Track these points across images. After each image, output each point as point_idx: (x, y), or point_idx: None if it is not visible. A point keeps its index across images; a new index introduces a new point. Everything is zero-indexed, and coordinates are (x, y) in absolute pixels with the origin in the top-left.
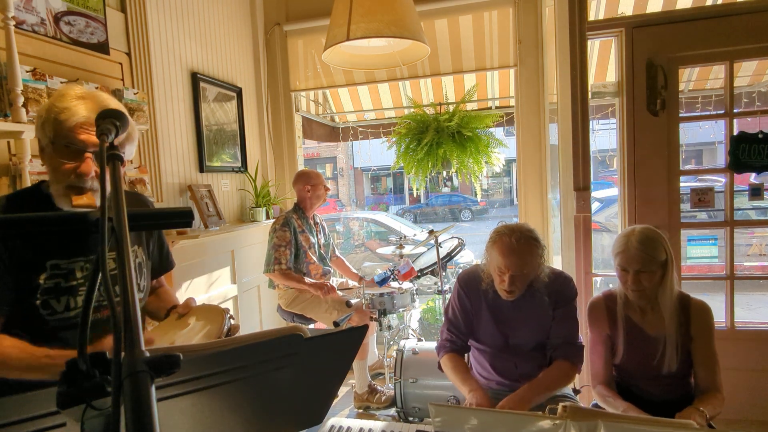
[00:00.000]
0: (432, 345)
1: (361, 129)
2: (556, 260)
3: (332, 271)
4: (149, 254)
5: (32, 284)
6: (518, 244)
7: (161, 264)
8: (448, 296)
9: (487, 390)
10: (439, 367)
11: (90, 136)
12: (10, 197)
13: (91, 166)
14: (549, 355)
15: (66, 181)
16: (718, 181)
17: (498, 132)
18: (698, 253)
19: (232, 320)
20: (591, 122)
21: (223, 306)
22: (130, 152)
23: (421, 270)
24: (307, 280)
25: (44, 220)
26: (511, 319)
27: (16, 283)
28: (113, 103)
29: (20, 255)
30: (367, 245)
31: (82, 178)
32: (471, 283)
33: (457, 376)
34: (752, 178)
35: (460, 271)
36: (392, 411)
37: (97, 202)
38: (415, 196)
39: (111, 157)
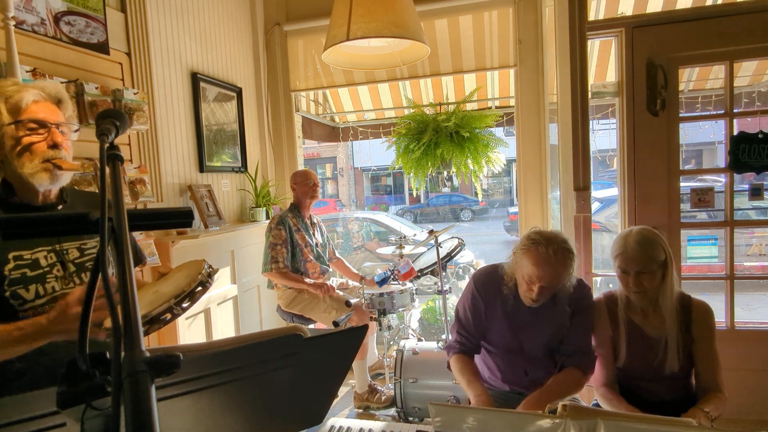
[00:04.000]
0: (432, 345)
1: (361, 129)
2: None
3: (331, 270)
4: None
5: None
6: (555, 256)
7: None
8: (448, 296)
9: (490, 392)
10: (448, 367)
11: (47, 113)
12: None
13: (60, 136)
14: (560, 361)
15: (42, 156)
16: (718, 181)
17: (498, 132)
18: (698, 253)
19: (211, 267)
20: (591, 122)
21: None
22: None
23: (421, 270)
24: (306, 279)
25: (46, 220)
26: (528, 324)
27: None
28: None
29: None
30: (366, 247)
31: (57, 148)
32: (488, 284)
33: (464, 379)
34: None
35: (460, 270)
36: (392, 411)
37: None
38: (414, 196)
39: (111, 157)
